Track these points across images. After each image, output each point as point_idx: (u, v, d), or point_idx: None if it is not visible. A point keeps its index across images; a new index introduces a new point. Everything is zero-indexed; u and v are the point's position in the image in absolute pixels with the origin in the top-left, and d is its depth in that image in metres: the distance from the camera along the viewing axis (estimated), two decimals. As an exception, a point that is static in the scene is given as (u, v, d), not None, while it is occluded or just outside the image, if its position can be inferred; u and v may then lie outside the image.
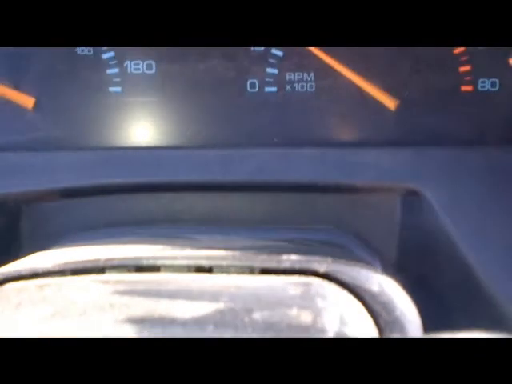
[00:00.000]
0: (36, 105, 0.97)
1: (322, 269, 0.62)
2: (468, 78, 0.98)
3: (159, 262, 0.63)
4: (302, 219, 0.94)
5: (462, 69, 0.98)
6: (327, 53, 0.97)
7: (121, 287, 0.58)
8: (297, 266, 0.62)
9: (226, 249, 0.70)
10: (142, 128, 0.98)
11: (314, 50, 0.97)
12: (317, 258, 0.64)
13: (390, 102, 0.97)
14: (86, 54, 0.97)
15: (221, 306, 0.55)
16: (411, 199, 0.89)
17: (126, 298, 0.56)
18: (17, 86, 0.97)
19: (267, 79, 0.98)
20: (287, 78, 0.98)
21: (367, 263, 0.70)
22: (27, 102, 0.96)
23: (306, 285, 0.60)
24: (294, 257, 0.63)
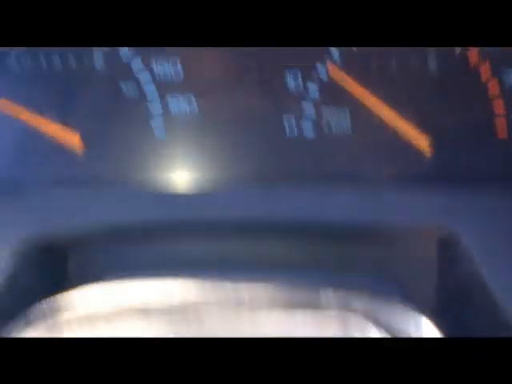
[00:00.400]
0: (81, 141, 1.00)
1: (361, 306, 0.63)
2: (502, 119, 0.99)
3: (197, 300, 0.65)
4: (339, 263, 0.94)
5: (497, 110, 0.99)
6: (364, 93, 0.99)
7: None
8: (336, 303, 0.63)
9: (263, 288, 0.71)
10: (185, 167, 1.00)
11: (349, 88, 0.99)
12: (356, 296, 0.65)
13: (425, 143, 0.98)
14: (129, 91, 1.00)
15: None
16: (448, 242, 0.89)
17: None
18: (63, 123, 1.00)
19: (303, 116, 1.00)
20: (323, 115, 1.00)
21: (404, 305, 0.71)
22: (73, 138, 0.99)
23: (345, 321, 0.61)
24: (333, 294, 0.64)
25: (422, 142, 0.99)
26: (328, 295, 0.64)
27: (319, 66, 0.99)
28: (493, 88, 0.99)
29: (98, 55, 1.00)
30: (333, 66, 0.99)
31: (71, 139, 1.00)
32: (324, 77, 1.00)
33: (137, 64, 1.00)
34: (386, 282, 0.88)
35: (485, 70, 0.99)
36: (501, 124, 0.99)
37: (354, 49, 0.99)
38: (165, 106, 1.00)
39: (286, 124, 1.00)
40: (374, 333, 0.61)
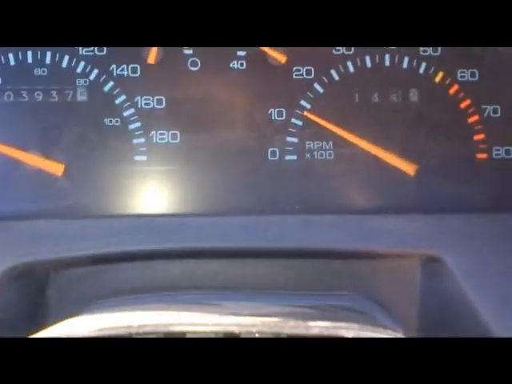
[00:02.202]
0: (65, 173, 1.00)
1: (349, 335, 0.63)
2: (483, 146, 1.01)
3: (188, 329, 0.65)
4: (324, 285, 0.94)
5: (477, 137, 1.01)
6: (344, 126, 1.00)
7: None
8: (325, 333, 0.63)
9: (252, 315, 0.70)
10: (167, 196, 1.01)
11: (331, 124, 1.01)
12: (343, 324, 0.65)
13: (408, 169, 1.00)
14: (113, 125, 1.00)
15: None
16: (432, 265, 0.90)
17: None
18: (46, 156, 1.00)
19: (288, 148, 1.01)
20: (307, 146, 1.01)
21: (390, 330, 0.71)
22: (57, 169, 0.99)
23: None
24: (321, 323, 0.64)
25: (405, 168, 1.00)
26: (316, 325, 0.64)
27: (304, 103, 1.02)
28: (472, 115, 1.01)
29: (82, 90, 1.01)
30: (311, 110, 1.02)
31: (55, 168, 0.99)
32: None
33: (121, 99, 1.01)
34: (371, 304, 0.89)
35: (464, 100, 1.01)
36: (480, 153, 1.01)
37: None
38: (149, 138, 1.01)
39: (269, 155, 1.01)
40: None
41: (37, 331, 0.72)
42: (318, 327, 0.63)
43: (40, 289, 0.93)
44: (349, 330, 0.64)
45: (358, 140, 1.00)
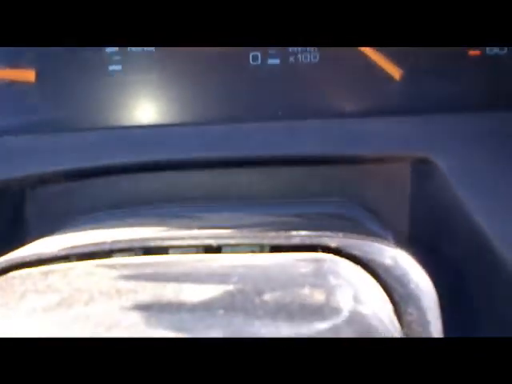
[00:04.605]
0: (37, 80, 0.95)
1: (333, 244, 0.60)
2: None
3: (166, 243, 0.62)
4: (311, 193, 0.92)
5: (470, 32, 0.96)
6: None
7: (127, 271, 0.57)
8: (307, 242, 0.61)
9: (234, 227, 0.68)
10: (143, 106, 0.96)
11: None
12: (328, 232, 0.63)
13: (395, 70, 0.95)
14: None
15: (230, 288, 0.53)
16: (422, 168, 0.87)
17: (132, 283, 0.55)
18: (15, 66, 0.95)
19: (270, 51, 0.96)
20: (290, 49, 0.96)
21: (379, 236, 0.68)
22: (28, 75, 0.94)
23: (318, 261, 0.58)
24: (304, 232, 0.62)
25: (392, 70, 0.95)
26: (297, 234, 0.61)
27: None
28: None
29: None
30: None
31: (25, 76, 0.94)
32: None
33: None
34: (360, 211, 0.87)
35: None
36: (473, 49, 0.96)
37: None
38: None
39: (251, 59, 0.96)
40: (350, 270, 0.59)
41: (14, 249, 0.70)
42: (300, 236, 0.61)
43: (17, 207, 0.91)
44: (333, 239, 0.61)
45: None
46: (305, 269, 0.57)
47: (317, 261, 0.58)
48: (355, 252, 0.60)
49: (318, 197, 0.91)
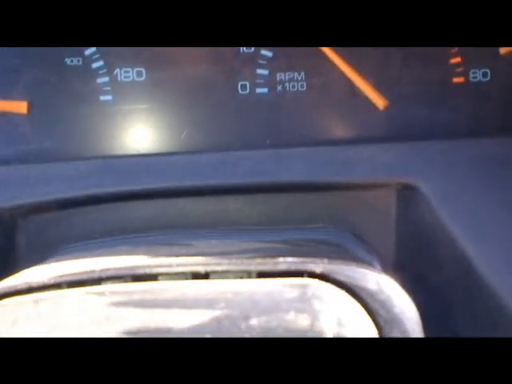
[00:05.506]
0: (29, 112, 0.96)
1: (318, 269, 0.61)
2: (459, 69, 0.98)
3: (154, 271, 0.63)
4: (298, 219, 0.93)
5: (453, 61, 0.98)
6: (317, 51, 0.97)
7: (116, 298, 0.58)
8: (293, 268, 0.61)
9: (221, 253, 0.69)
10: (134, 135, 0.98)
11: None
12: (313, 258, 0.63)
13: (380, 99, 0.97)
14: (75, 64, 0.97)
15: (217, 313, 0.55)
16: (407, 194, 0.88)
17: (121, 310, 0.56)
18: (8, 98, 0.97)
19: (258, 80, 0.98)
20: (278, 78, 0.98)
21: (364, 261, 0.70)
22: (20, 107, 0.96)
23: (303, 287, 0.59)
24: (289, 258, 0.63)
25: (378, 98, 0.97)
26: (284, 261, 0.62)
27: None
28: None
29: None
30: None
31: (18, 107, 0.96)
32: None
33: None
34: (346, 237, 0.88)
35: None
36: (457, 76, 0.98)
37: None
38: (113, 76, 0.97)
39: (239, 89, 0.98)
40: (334, 295, 0.60)
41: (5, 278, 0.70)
42: (286, 262, 0.62)
43: (8, 236, 0.91)
44: (318, 264, 0.62)
45: (331, 67, 0.97)
46: (290, 294, 0.58)
47: (302, 286, 0.59)
48: (340, 277, 0.61)
49: (305, 223, 0.92)
